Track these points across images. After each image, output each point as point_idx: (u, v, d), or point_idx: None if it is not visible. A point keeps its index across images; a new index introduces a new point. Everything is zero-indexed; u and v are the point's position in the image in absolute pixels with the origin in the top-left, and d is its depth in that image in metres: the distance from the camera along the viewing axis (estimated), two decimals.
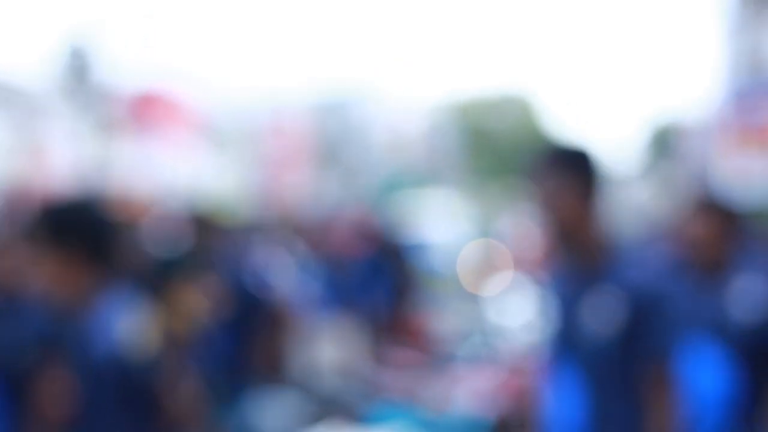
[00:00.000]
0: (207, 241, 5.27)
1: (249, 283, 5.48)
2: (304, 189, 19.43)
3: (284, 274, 6.24)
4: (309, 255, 7.20)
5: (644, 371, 2.99)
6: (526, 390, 6.64)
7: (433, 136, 30.50)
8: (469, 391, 5.46)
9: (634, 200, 14.40)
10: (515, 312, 8.39)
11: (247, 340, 5.31)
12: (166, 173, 15.36)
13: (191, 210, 6.09)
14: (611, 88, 60.81)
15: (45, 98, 15.59)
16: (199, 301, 3.86)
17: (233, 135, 21.80)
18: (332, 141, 25.54)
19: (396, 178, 21.46)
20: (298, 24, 52.94)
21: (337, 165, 25.14)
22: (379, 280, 7.05)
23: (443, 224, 15.12)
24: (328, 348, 6.31)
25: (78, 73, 16.21)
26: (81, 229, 2.88)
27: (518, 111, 34.23)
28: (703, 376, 3.57)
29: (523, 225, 11.36)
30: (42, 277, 2.91)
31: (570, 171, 3.10)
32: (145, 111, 17.03)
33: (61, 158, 13.63)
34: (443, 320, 7.87)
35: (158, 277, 3.85)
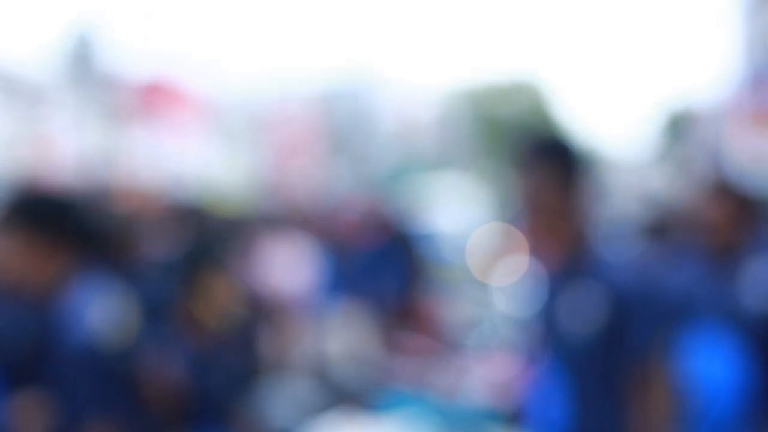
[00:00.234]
0: (202, 232, 5.22)
1: (253, 273, 5.45)
2: (313, 178, 19.37)
3: (292, 264, 6.20)
4: (318, 244, 7.18)
5: (626, 370, 2.90)
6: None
7: (443, 124, 30.44)
8: (479, 379, 5.44)
9: (649, 186, 14.29)
10: (526, 299, 8.32)
11: (255, 332, 5.28)
12: (173, 163, 15.31)
13: (187, 201, 6.04)
14: (624, 73, 60.61)
15: (49, 88, 15.55)
16: (231, 291, 3.81)
17: (241, 124, 21.76)
18: (341, 129, 25.48)
19: (406, 164, 21.40)
20: (307, 11, 52.92)
21: (346, 153, 25.07)
22: (388, 268, 7.05)
23: (454, 209, 15.04)
24: (339, 336, 6.30)
25: (83, 61, 16.16)
26: (52, 216, 2.87)
27: (529, 98, 34.13)
28: (714, 365, 3.47)
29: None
30: (14, 264, 2.87)
31: (551, 165, 3.04)
32: (151, 100, 16.97)
33: (66, 148, 13.60)
34: (453, 308, 7.83)
35: (187, 267, 3.79)
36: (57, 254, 2.86)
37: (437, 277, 8.30)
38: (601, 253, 3.01)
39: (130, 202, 5.54)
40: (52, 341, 2.84)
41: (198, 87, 19.09)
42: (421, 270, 7.44)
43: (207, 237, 4.64)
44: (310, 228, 7.54)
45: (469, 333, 7.28)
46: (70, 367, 2.81)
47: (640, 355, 2.91)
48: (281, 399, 5.10)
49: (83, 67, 16.00)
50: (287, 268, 6.21)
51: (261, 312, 5.31)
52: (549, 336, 3.05)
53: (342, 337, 6.32)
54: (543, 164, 3.03)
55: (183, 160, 16.42)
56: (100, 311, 2.86)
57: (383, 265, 7.08)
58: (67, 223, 2.89)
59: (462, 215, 14.84)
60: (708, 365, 3.45)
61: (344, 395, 5.38)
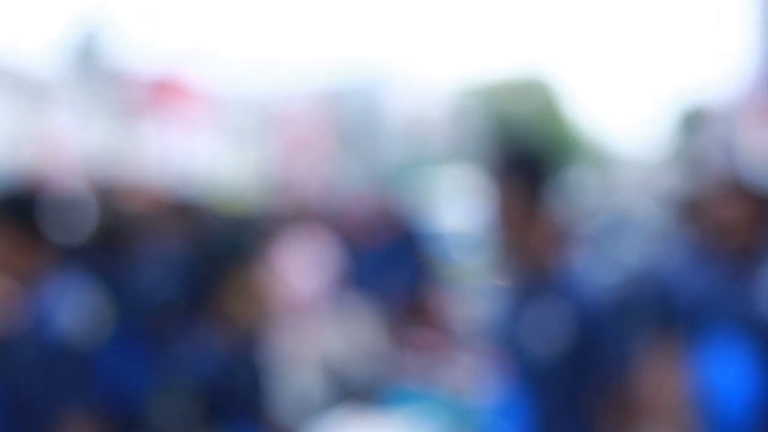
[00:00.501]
0: (223, 230, 5.18)
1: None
2: (322, 175, 19.28)
3: (307, 262, 6.19)
4: (327, 242, 7.15)
5: (594, 390, 2.81)
6: None
7: (453, 120, 30.35)
8: (488, 375, 5.42)
9: (662, 184, 14.15)
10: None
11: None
12: (180, 160, 15.25)
13: (195, 199, 6.02)
14: (637, 69, 60.38)
15: (56, 84, 15.52)
16: (264, 287, 3.77)
17: (250, 120, 21.71)
18: (351, 126, 25.40)
19: (415, 160, 21.32)
20: (317, 6, 52.87)
21: (355, 150, 24.98)
22: (397, 265, 7.04)
23: (463, 206, 14.91)
24: (347, 332, 6.29)
25: (90, 57, 16.12)
26: (26, 211, 2.92)
27: (540, 95, 34.01)
28: (727, 374, 3.35)
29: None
30: None
31: (520, 178, 3.00)
32: (159, 96, 16.92)
33: (72, 145, 13.55)
34: (462, 305, 7.80)
35: (219, 262, 3.76)
36: (32, 250, 2.86)
37: (446, 275, 8.25)
38: (570, 269, 2.93)
39: (137, 200, 5.49)
40: (24, 335, 2.84)
41: (206, 83, 19.03)
42: (430, 267, 7.42)
43: (236, 233, 4.62)
44: (319, 225, 7.52)
45: (478, 330, 7.26)
46: (42, 361, 2.81)
47: (609, 375, 2.82)
48: (289, 395, 5.08)
49: (90, 63, 15.97)
50: (303, 265, 6.19)
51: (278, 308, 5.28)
52: (513, 354, 2.96)
53: (350, 333, 6.32)
54: (512, 177, 2.97)
55: (191, 157, 16.35)
56: (72, 308, 2.86)
57: (392, 262, 7.08)
58: (41, 219, 2.92)
59: (472, 212, 14.73)
60: (722, 372, 3.34)
61: (352, 392, 5.37)
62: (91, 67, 16.14)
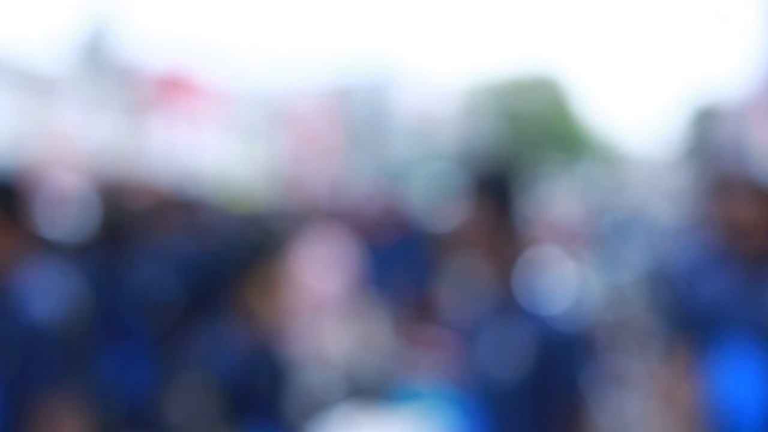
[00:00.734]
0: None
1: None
2: (330, 173, 19.24)
3: (314, 259, 6.17)
4: (342, 239, 7.14)
5: (556, 413, 2.73)
6: None
7: (463, 118, 30.28)
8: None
9: (672, 183, 14.06)
10: (546, 298, 8.27)
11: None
12: (189, 157, 15.20)
13: (202, 196, 6.00)
14: (648, 67, 60.21)
15: (62, 80, 15.48)
16: (290, 283, 3.75)
17: (259, 118, 21.66)
18: (360, 123, 25.34)
19: (424, 157, 21.27)
20: (327, 3, 52.82)
21: (365, 148, 24.92)
22: (406, 264, 7.03)
23: None
24: (356, 328, 6.28)
25: (97, 53, 16.08)
26: (2, 196, 2.91)
27: (550, 93, 33.87)
28: (741, 381, 3.27)
29: (557, 204, 11.21)
30: None
31: (488, 199, 2.97)
32: (167, 92, 16.87)
33: (79, 142, 13.52)
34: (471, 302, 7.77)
35: (246, 258, 3.74)
36: (7, 235, 2.86)
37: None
38: (533, 291, 2.89)
39: (143, 197, 5.47)
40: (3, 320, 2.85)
41: (214, 80, 18.99)
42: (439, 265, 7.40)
43: (258, 229, 4.59)
44: (328, 223, 7.50)
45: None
46: (17, 344, 2.82)
47: (571, 398, 2.80)
48: (298, 391, 5.08)
49: (98, 59, 15.93)
50: (319, 263, 6.19)
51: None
52: (473, 375, 2.90)
53: (359, 330, 6.30)
54: (480, 197, 2.95)
55: (198, 154, 16.31)
56: (52, 295, 2.86)
57: (400, 260, 7.07)
58: (17, 206, 2.90)
59: None
60: (735, 379, 3.26)
61: (361, 388, 5.35)
62: (99, 62, 16.10)
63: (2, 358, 2.80)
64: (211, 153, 17.46)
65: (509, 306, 2.92)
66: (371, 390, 5.35)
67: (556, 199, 11.94)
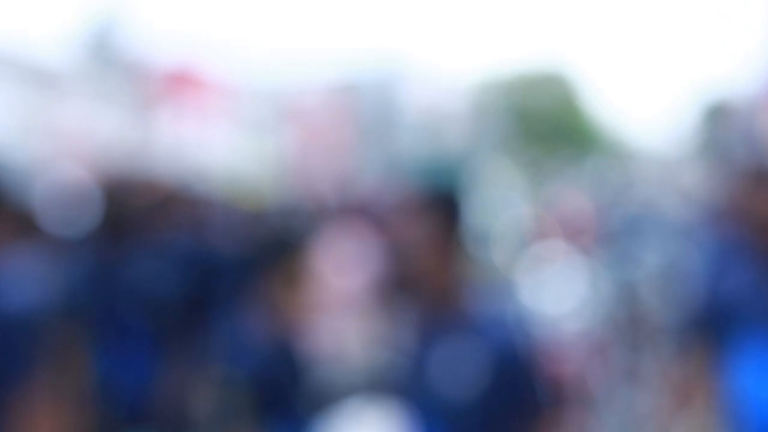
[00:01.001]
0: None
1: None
2: (339, 169, 19.18)
3: (334, 254, 6.15)
4: (359, 236, 7.10)
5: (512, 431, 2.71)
6: (567, 375, 6.56)
7: (473, 115, 30.20)
8: None
9: (683, 179, 13.96)
10: (556, 295, 8.23)
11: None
12: (197, 153, 15.15)
13: (211, 193, 5.97)
14: (658, 62, 59.99)
15: (69, 75, 15.43)
16: (314, 280, 3.69)
17: (267, 114, 21.61)
18: (369, 120, 25.27)
19: (432, 153, 21.20)
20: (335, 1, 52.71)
21: (373, 144, 24.86)
22: None
23: (480, 198, 14.81)
24: (367, 323, 6.24)
25: (105, 48, 16.02)
26: None
27: (559, 88, 33.77)
28: (762, 380, 3.18)
29: (568, 199, 11.15)
30: None
31: (436, 215, 2.94)
32: (175, 88, 16.81)
33: (86, 138, 13.47)
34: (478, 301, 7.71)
35: (272, 254, 3.70)
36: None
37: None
38: (485, 308, 2.81)
39: (150, 192, 5.41)
40: None
41: (222, 75, 18.93)
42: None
43: (284, 224, 4.55)
44: (337, 222, 7.45)
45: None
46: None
47: (527, 416, 2.75)
48: (318, 386, 5.04)
49: (105, 53, 15.88)
50: (339, 258, 6.16)
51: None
52: (418, 395, 2.82)
53: (369, 325, 6.27)
54: (428, 212, 2.92)
55: (206, 149, 16.26)
56: (31, 287, 2.85)
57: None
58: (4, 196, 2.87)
59: (489, 206, 14.63)
60: (755, 378, 3.17)
61: (380, 384, 5.32)
62: (106, 57, 16.05)
63: None
64: (218, 148, 17.41)
65: (458, 324, 2.84)
66: (390, 386, 5.32)
67: (566, 196, 11.86)
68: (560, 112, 32.69)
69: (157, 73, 16.70)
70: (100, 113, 15.14)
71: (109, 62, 16.27)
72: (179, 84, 16.96)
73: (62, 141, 12.68)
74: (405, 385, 2.90)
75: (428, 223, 2.92)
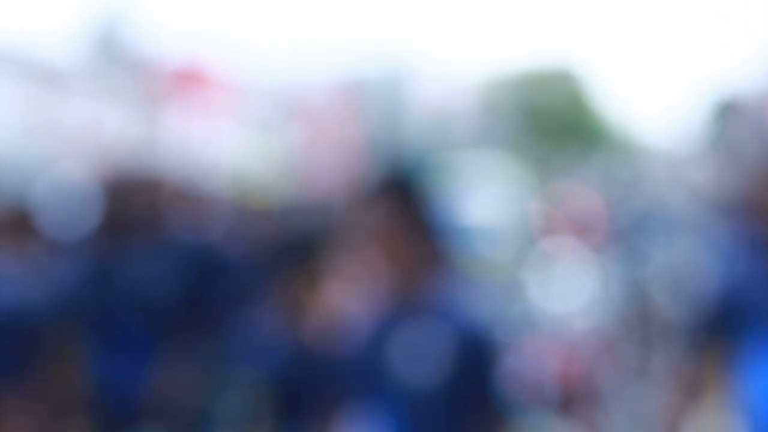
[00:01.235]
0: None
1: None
2: (346, 167, 19.13)
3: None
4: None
5: (474, 420, 2.70)
6: (576, 373, 6.48)
7: (481, 112, 30.13)
8: (511, 360, 5.35)
9: (696, 178, 13.89)
10: (565, 293, 8.17)
11: None
12: (203, 151, 15.12)
13: (219, 192, 5.93)
14: (667, 59, 59.86)
15: (75, 73, 15.42)
16: (341, 281, 3.66)
17: (273, 111, 21.58)
18: (376, 117, 25.22)
19: (439, 149, 21.17)
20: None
21: (380, 142, 24.83)
22: None
23: (488, 196, 14.76)
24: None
25: (111, 45, 15.99)
26: None
27: (568, 86, 33.68)
28: None
29: (577, 196, 11.11)
30: None
31: (397, 199, 2.91)
32: (181, 85, 16.78)
33: (92, 136, 13.45)
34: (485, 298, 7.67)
35: (297, 255, 3.69)
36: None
37: (469, 269, 8.10)
38: (447, 293, 2.75)
39: (154, 191, 5.35)
40: None
41: (229, 72, 18.90)
42: (451, 260, 7.27)
43: (308, 224, 4.51)
44: (341, 221, 7.36)
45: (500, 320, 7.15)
46: None
47: (490, 404, 2.71)
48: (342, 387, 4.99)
49: (111, 51, 15.85)
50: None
51: None
52: (381, 383, 2.75)
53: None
54: (386, 197, 2.90)
55: (212, 147, 16.23)
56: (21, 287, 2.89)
57: None
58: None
59: (497, 204, 14.59)
60: (765, 383, 3.10)
61: None
62: (112, 54, 16.03)
63: None
64: (225, 146, 17.38)
65: (420, 309, 2.80)
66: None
67: (575, 192, 11.80)
68: (569, 110, 32.61)
69: (163, 70, 16.67)
70: (105, 111, 15.12)
71: (114, 60, 16.25)
72: (185, 82, 16.93)
73: (67, 139, 12.66)
74: (366, 371, 2.86)
75: (384, 209, 2.88)
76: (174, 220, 4.98)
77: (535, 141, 30.95)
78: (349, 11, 54.58)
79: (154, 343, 4.32)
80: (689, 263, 4.45)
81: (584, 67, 38.85)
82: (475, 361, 2.77)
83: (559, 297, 8.35)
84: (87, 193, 4.83)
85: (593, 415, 7.08)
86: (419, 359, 2.77)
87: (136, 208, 4.75)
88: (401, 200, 2.92)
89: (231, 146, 17.92)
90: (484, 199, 15.22)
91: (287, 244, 3.77)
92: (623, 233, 10.67)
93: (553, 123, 31.84)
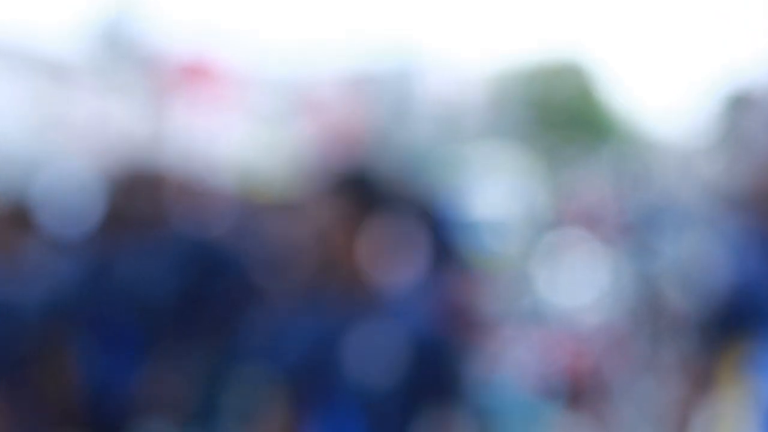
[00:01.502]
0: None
1: None
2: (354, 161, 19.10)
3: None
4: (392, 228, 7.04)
5: (430, 420, 2.68)
6: (586, 367, 6.46)
7: (490, 106, 30.07)
8: (521, 353, 5.33)
9: (706, 171, 13.83)
10: (575, 286, 8.15)
11: None
12: (211, 145, 15.10)
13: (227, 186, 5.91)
14: (677, 52, 59.69)
15: (81, 67, 15.40)
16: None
17: (282, 105, 21.55)
18: (385, 111, 25.18)
19: (447, 143, 21.12)
20: None
21: (389, 136, 24.81)
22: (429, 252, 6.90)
23: (495, 190, 14.72)
24: None
25: (118, 39, 15.97)
26: None
27: (577, 79, 33.60)
28: None
29: (587, 189, 11.08)
30: None
31: (347, 198, 2.87)
32: (189, 80, 16.75)
33: (99, 131, 13.44)
34: (492, 292, 7.67)
35: None
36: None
37: (476, 264, 8.10)
38: (400, 292, 2.71)
39: (164, 186, 5.32)
40: None
41: (237, 65, 18.88)
42: (458, 255, 7.29)
43: None
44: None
45: (509, 313, 7.15)
46: None
47: (445, 403, 2.68)
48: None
49: (118, 45, 15.83)
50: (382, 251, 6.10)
51: None
52: (335, 384, 2.74)
53: None
54: (336, 195, 2.87)
55: (221, 141, 16.21)
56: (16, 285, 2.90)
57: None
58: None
59: (506, 195, 14.55)
60: None
61: None
62: (119, 49, 16.01)
63: None
64: (232, 140, 17.37)
65: (371, 309, 2.77)
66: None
67: (585, 185, 11.77)
68: (578, 103, 32.53)
69: (170, 64, 16.65)
70: (112, 105, 15.10)
71: (121, 54, 16.23)
72: (192, 76, 16.90)
73: (74, 134, 12.64)
74: (319, 372, 2.82)
75: (336, 207, 2.84)
76: (178, 216, 4.94)
77: (545, 134, 30.87)
78: (358, 4, 54.53)
79: (149, 342, 4.28)
80: (699, 257, 4.40)
81: (594, 60, 38.78)
82: (431, 361, 2.75)
83: (568, 290, 8.32)
84: (90, 188, 4.79)
85: (602, 408, 7.05)
86: (374, 360, 2.74)
87: (139, 203, 4.71)
88: (354, 198, 2.88)
89: (239, 140, 17.90)
90: (494, 192, 15.18)
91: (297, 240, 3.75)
92: (633, 226, 10.64)
93: (562, 116, 31.77)
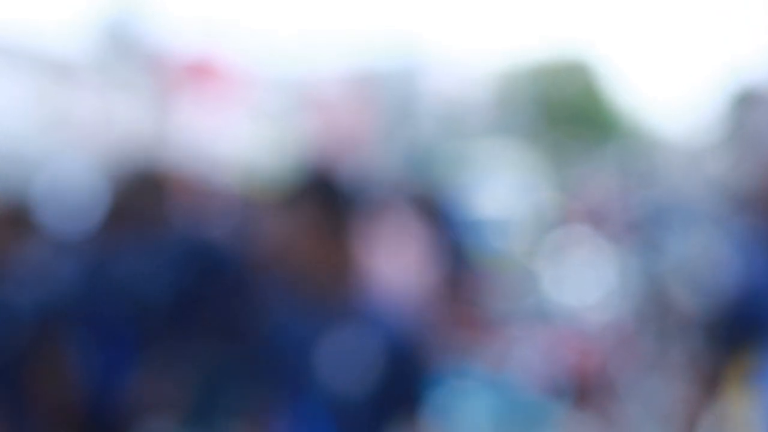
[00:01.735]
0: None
1: None
2: (359, 160, 19.08)
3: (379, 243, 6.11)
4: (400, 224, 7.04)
5: (404, 425, 2.67)
6: (592, 366, 6.46)
7: (495, 104, 30.04)
8: (525, 353, 5.32)
9: (712, 169, 13.79)
10: (581, 285, 8.13)
11: None
12: (216, 145, 15.09)
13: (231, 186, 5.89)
14: (683, 50, 59.61)
15: (86, 65, 15.40)
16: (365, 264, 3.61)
17: (286, 103, 21.54)
18: (390, 109, 25.16)
19: (452, 140, 21.11)
20: None
21: (394, 135, 24.77)
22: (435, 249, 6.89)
23: (500, 189, 14.70)
24: None
25: (122, 37, 15.97)
26: None
27: (582, 77, 33.56)
28: None
29: (593, 187, 11.07)
30: None
31: (319, 203, 2.86)
32: (193, 78, 16.74)
33: (102, 129, 13.43)
34: (499, 290, 7.66)
35: None
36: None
37: (482, 263, 8.08)
38: (373, 298, 2.69)
39: (169, 185, 5.29)
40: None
41: (241, 63, 18.86)
42: (465, 252, 7.28)
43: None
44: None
45: (515, 312, 7.14)
46: None
47: (416, 409, 2.70)
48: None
49: (122, 43, 15.83)
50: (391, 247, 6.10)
51: None
52: (305, 388, 2.73)
53: None
54: (308, 201, 2.86)
55: (225, 139, 16.20)
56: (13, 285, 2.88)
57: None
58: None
59: (512, 193, 14.53)
60: None
61: None
62: (123, 47, 16.01)
63: None
64: (236, 138, 17.35)
65: (346, 317, 2.75)
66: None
67: (591, 183, 11.74)
68: (584, 100, 32.50)
69: (174, 62, 16.64)
70: (116, 104, 15.09)
71: (126, 52, 16.22)
72: (197, 74, 16.89)
73: (78, 132, 12.64)
74: (292, 378, 2.80)
75: (304, 213, 2.81)
76: (180, 215, 4.91)
77: (550, 132, 30.83)
78: (363, 2, 54.53)
79: (146, 341, 4.26)
80: (706, 255, 4.37)
81: (599, 57, 38.76)
82: (403, 368, 2.73)
83: (574, 289, 8.30)
84: (93, 187, 4.77)
85: (609, 407, 7.03)
86: (346, 366, 2.72)
87: (142, 202, 4.69)
88: (324, 204, 2.85)
89: (243, 138, 17.89)
90: (499, 190, 15.15)
91: None
92: (639, 224, 10.61)
93: (567, 113, 31.72)
